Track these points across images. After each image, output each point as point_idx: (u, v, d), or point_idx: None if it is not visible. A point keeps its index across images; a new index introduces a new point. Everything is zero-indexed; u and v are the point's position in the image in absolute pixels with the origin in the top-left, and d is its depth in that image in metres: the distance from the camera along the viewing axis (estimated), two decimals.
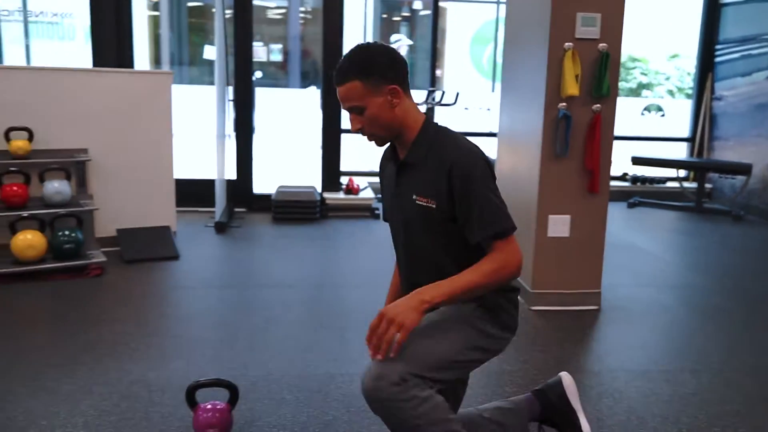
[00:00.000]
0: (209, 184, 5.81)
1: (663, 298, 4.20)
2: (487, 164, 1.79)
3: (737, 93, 7.24)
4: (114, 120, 4.80)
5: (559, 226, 3.87)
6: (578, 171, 3.82)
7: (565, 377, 2.45)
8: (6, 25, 9.37)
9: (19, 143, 4.40)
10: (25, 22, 9.30)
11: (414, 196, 1.85)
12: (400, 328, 1.67)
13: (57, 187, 4.37)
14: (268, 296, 4.05)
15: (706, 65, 7.59)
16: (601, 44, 3.71)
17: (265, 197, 6.27)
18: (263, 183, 6.55)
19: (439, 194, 1.79)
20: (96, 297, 3.94)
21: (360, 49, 1.82)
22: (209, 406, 2.43)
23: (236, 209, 6.24)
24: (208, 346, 3.29)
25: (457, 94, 6.48)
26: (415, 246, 1.93)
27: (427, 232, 1.87)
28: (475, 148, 1.80)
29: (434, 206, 1.81)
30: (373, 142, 1.90)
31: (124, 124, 4.84)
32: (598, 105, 3.76)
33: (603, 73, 3.70)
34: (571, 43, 3.69)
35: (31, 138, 4.46)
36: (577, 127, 3.77)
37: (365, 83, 1.77)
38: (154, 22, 14.10)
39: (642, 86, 15.42)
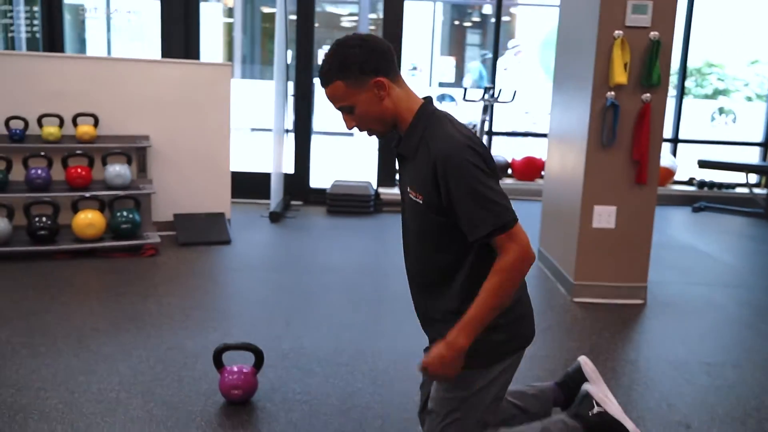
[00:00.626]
0: (268, 177, 5.95)
1: (715, 296, 4.06)
2: (477, 154, 1.65)
3: None
4: (175, 109, 5.00)
5: (604, 217, 3.79)
6: (625, 161, 3.74)
7: (585, 364, 2.39)
8: (91, 22, 9.87)
9: (86, 128, 4.64)
10: (108, 18, 9.85)
11: (408, 189, 1.79)
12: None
13: (118, 170, 4.59)
14: (311, 280, 4.12)
15: None
16: (652, 32, 3.63)
17: (322, 191, 6.37)
18: (321, 177, 6.66)
19: (425, 188, 1.70)
20: (148, 274, 4.11)
21: (335, 47, 1.71)
22: (235, 369, 2.52)
23: (292, 202, 6.37)
24: (246, 321, 3.38)
25: (515, 93, 6.44)
26: (410, 235, 1.88)
27: (418, 226, 1.81)
28: (463, 138, 1.67)
29: (421, 201, 1.73)
30: (373, 137, 1.85)
31: (185, 114, 5.03)
32: (648, 94, 3.67)
33: (653, 62, 3.62)
34: (620, 31, 3.62)
35: (96, 124, 4.71)
36: (626, 117, 3.70)
37: (346, 82, 1.68)
38: (229, 29, 14.57)
39: (718, 92, 14.84)
